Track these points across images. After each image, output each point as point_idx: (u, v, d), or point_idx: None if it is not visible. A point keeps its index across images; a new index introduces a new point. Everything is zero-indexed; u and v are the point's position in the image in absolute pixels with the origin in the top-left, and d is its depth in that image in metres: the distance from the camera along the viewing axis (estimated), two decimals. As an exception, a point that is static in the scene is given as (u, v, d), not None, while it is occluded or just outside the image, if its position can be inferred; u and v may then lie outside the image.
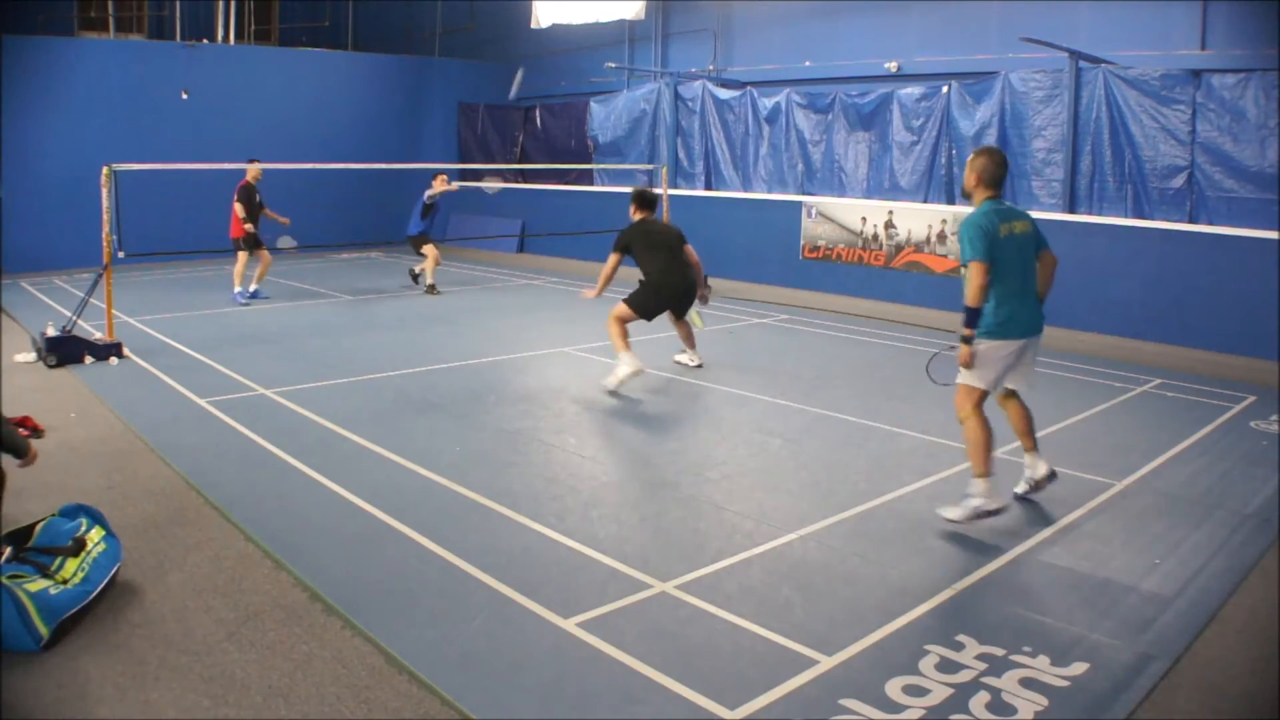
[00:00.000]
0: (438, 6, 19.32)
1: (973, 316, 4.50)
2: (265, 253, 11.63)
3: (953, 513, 4.60)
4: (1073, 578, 4.07)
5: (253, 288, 11.64)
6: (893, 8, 12.92)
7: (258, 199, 11.44)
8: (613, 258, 7.49)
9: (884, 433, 6.25)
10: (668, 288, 7.54)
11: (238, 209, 11.32)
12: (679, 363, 8.10)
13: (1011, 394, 4.97)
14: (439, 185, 12.24)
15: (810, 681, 3.21)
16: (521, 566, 4.09)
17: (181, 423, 6.27)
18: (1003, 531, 4.55)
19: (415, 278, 12.76)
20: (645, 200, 7.70)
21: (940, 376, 5.09)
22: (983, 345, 4.60)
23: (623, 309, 7.43)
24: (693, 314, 8.08)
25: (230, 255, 12.20)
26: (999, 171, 4.69)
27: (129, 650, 3.39)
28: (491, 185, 13.37)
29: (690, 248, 7.70)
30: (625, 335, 7.36)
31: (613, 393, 7.11)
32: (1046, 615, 3.71)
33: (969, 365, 4.60)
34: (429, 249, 12.15)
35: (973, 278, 4.46)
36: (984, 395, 4.68)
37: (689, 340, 8.07)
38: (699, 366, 7.99)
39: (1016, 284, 4.64)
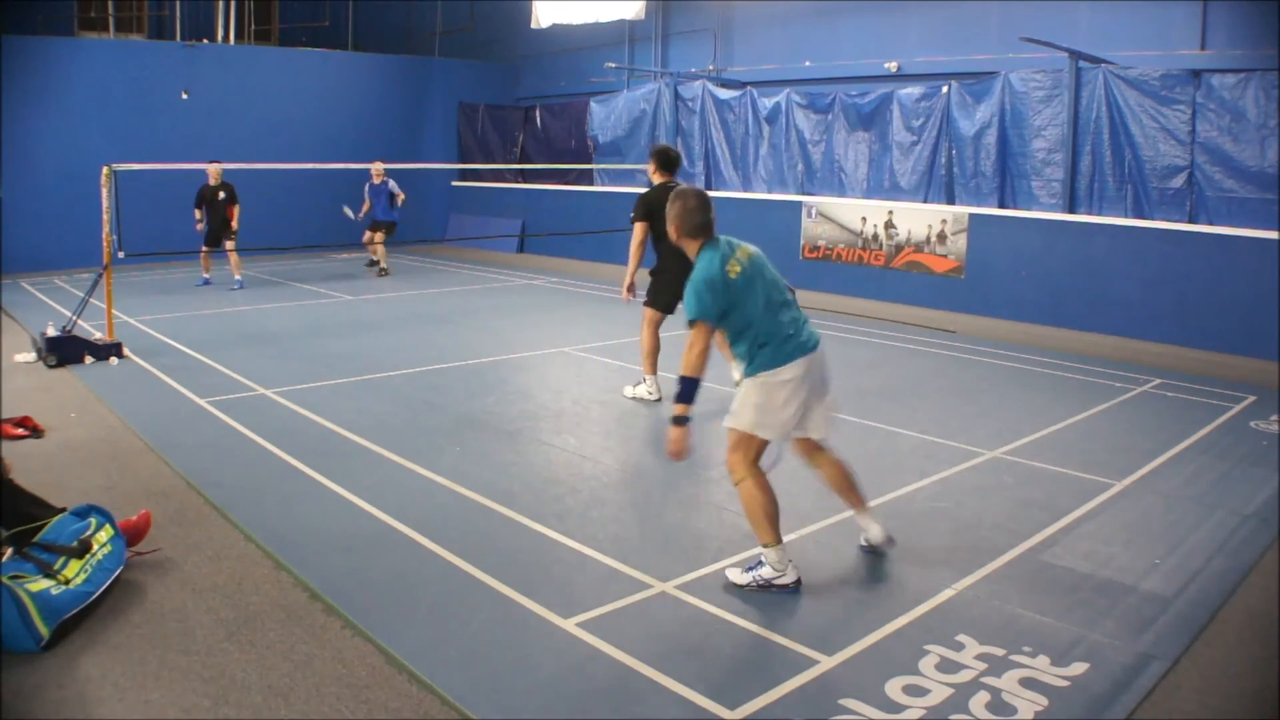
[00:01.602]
0: (438, 6, 19.32)
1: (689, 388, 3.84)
2: (230, 249, 12.63)
3: (739, 578, 3.89)
4: (1073, 578, 4.07)
5: (205, 275, 12.90)
6: (893, 8, 12.92)
7: (220, 199, 12.39)
8: (638, 228, 6.59)
9: (884, 433, 6.25)
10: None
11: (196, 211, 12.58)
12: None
13: (815, 447, 4.14)
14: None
15: (810, 681, 3.21)
16: (521, 566, 4.09)
17: (181, 423, 6.27)
18: (1003, 531, 4.55)
19: (374, 264, 14.36)
20: (667, 160, 6.71)
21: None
22: (757, 381, 3.88)
23: (649, 313, 6.82)
24: None
25: (227, 255, 12.75)
26: (700, 218, 3.97)
27: (129, 650, 3.39)
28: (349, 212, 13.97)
29: None
30: (656, 350, 6.82)
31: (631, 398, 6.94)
32: (1046, 615, 3.71)
33: (679, 455, 3.83)
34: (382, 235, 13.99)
35: (694, 341, 3.84)
36: (763, 447, 3.91)
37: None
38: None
39: (764, 315, 3.92)
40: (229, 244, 12.30)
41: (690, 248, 4.06)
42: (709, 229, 4.02)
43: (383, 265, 14.11)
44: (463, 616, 3.64)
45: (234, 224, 12.38)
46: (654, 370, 6.93)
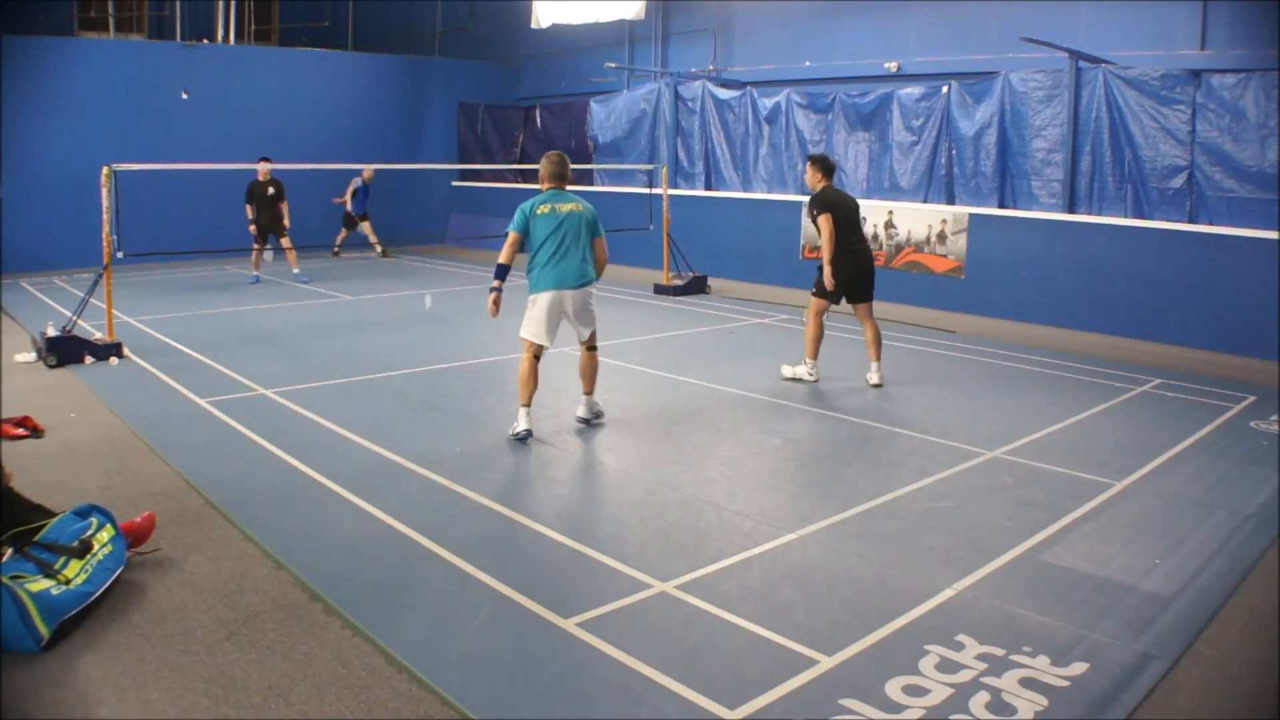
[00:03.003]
0: (438, 6, 19.33)
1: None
2: (287, 244, 13.01)
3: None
4: (1073, 578, 4.07)
5: (254, 272, 13.10)
6: (893, 8, 12.92)
7: (269, 195, 12.66)
8: (825, 221, 7.11)
9: (884, 433, 6.25)
10: (857, 265, 7.23)
11: (246, 208, 12.76)
12: (869, 382, 7.43)
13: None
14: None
15: (810, 681, 3.21)
16: (521, 566, 4.09)
17: (182, 423, 6.27)
18: (1003, 531, 4.56)
19: (381, 250, 15.99)
20: (828, 166, 7.35)
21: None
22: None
23: (816, 302, 7.42)
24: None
25: (230, 255, 12.90)
26: (555, 169, 6.07)
27: (129, 650, 3.39)
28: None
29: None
30: (819, 338, 7.49)
31: (791, 379, 7.45)
32: (1046, 615, 3.71)
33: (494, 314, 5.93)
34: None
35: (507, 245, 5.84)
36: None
37: (874, 347, 7.47)
38: (878, 386, 7.40)
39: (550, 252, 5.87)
40: (285, 241, 12.86)
41: (544, 187, 6.04)
42: (559, 180, 6.07)
43: (382, 247, 16.00)
44: (463, 616, 3.64)
45: (285, 220, 12.86)
46: (815, 355, 7.58)
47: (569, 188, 6.14)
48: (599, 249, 6.16)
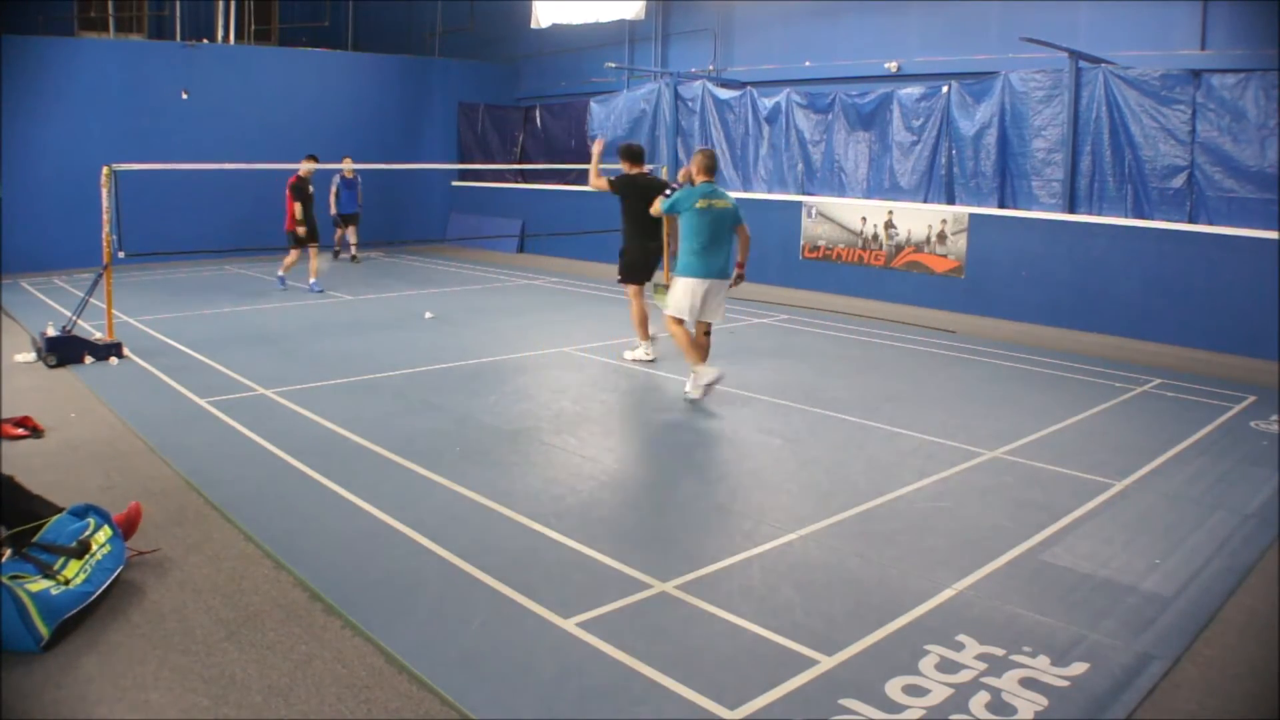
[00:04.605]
0: (438, 6, 19.32)
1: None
2: (314, 249, 12.32)
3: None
4: (1073, 578, 4.07)
5: (311, 280, 12.28)
6: (893, 8, 12.92)
7: (310, 193, 12.04)
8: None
9: (884, 433, 6.25)
10: (643, 250, 8.20)
11: (294, 207, 11.90)
12: (636, 360, 8.26)
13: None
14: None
15: (810, 681, 3.21)
16: (521, 566, 4.08)
17: (181, 423, 6.27)
18: (1003, 531, 4.56)
19: (352, 255, 15.50)
20: (631, 154, 8.28)
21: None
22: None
23: (628, 286, 8.22)
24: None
25: (231, 255, 12.62)
26: (711, 163, 6.93)
27: (129, 650, 3.39)
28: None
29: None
30: (645, 319, 8.14)
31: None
32: (1046, 615, 3.71)
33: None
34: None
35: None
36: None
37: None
38: (652, 361, 8.21)
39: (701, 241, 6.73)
40: (314, 245, 12.29)
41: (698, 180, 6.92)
42: (713, 174, 7.11)
43: (355, 254, 15.44)
44: (463, 616, 3.64)
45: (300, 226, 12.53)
46: (646, 335, 8.20)
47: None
48: (742, 235, 7.06)
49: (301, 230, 11.86)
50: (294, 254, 12.17)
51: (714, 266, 6.82)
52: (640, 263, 8.23)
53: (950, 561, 4.20)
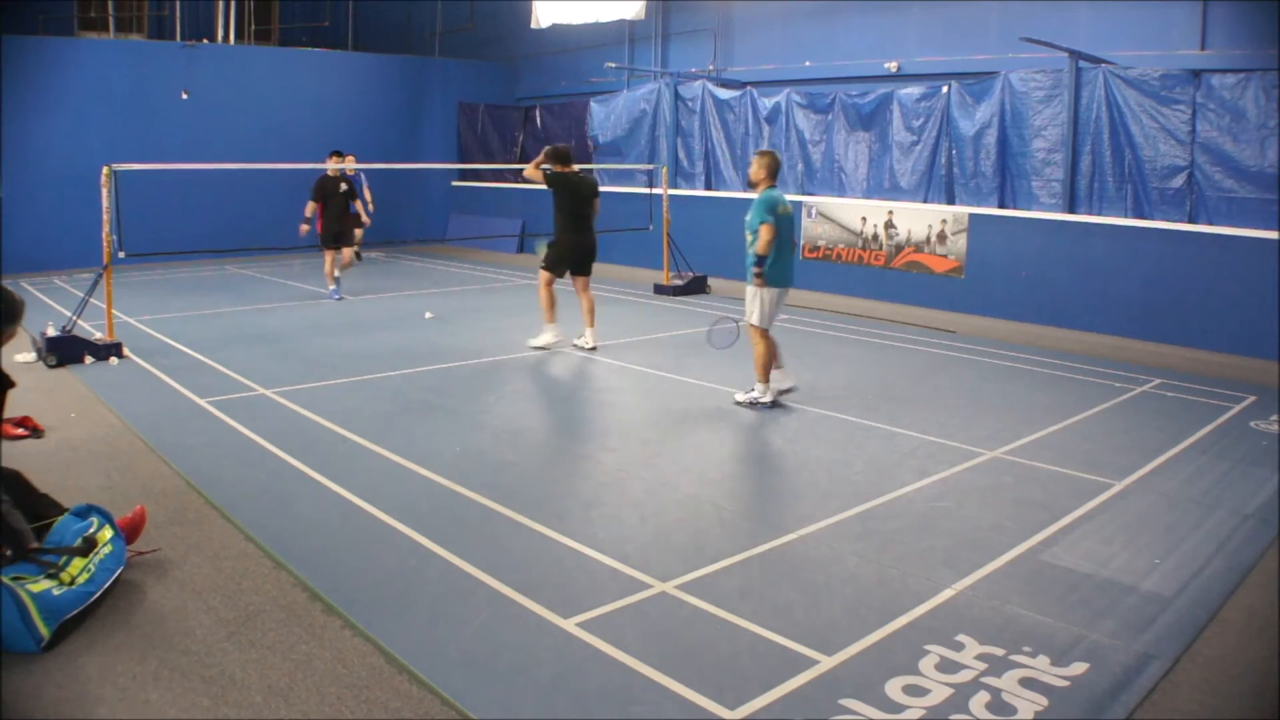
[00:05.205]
0: (438, 6, 19.32)
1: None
2: (346, 250, 11.89)
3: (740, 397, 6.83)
4: (1073, 578, 4.07)
5: (329, 286, 11.70)
6: (893, 8, 12.92)
7: (341, 192, 11.51)
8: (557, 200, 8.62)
9: (884, 433, 6.25)
10: (580, 244, 8.48)
11: (309, 206, 11.53)
12: (576, 346, 8.57)
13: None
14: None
15: (810, 681, 3.21)
16: (521, 566, 4.09)
17: (181, 423, 6.27)
18: (1003, 531, 4.56)
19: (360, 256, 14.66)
20: (558, 155, 8.48)
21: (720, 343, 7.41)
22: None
23: (544, 274, 8.48)
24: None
25: (231, 255, 12.52)
26: (778, 166, 6.76)
27: (129, 650, 3.39)
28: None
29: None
30: (553, 305, 8.51)
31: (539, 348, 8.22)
32: (1046, 615, 3.71)
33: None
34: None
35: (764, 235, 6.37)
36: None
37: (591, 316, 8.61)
38: (593, 349, 8.51)
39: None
40: (347, 251, 11.83)
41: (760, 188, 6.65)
42: (777, 178, 6.77)
43: (358, 253, 14.17)
44: (463, 616, 3.64)
45: (365, 218, 12.62)
46: (553, 320, 8.55)
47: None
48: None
49: (304, 229, 11.57)
50: (328, 257, 11.60)
51: (791, 272, 6.83)
52: (568, 257, 8.50)
53: (950, 561, 4.21)
